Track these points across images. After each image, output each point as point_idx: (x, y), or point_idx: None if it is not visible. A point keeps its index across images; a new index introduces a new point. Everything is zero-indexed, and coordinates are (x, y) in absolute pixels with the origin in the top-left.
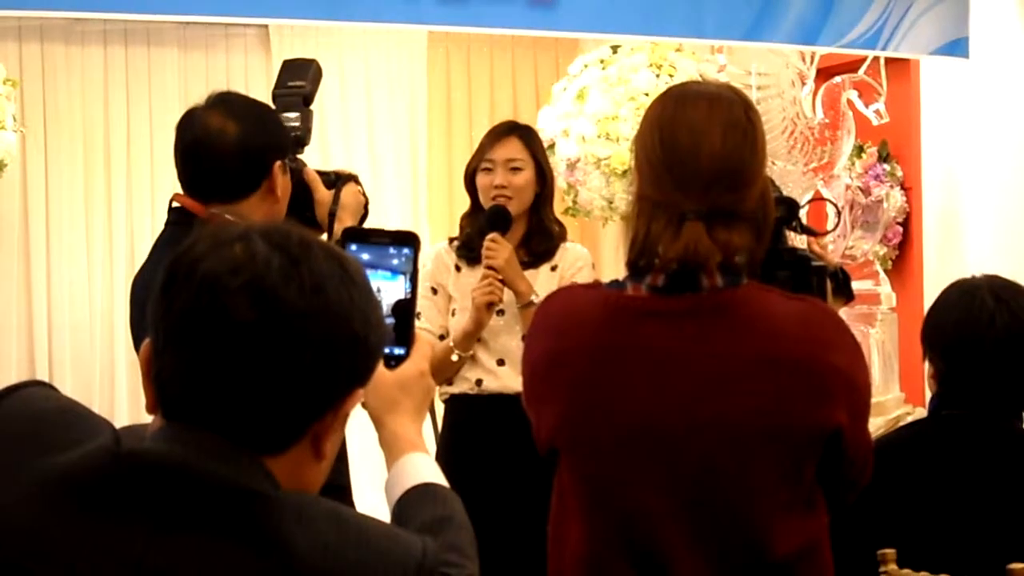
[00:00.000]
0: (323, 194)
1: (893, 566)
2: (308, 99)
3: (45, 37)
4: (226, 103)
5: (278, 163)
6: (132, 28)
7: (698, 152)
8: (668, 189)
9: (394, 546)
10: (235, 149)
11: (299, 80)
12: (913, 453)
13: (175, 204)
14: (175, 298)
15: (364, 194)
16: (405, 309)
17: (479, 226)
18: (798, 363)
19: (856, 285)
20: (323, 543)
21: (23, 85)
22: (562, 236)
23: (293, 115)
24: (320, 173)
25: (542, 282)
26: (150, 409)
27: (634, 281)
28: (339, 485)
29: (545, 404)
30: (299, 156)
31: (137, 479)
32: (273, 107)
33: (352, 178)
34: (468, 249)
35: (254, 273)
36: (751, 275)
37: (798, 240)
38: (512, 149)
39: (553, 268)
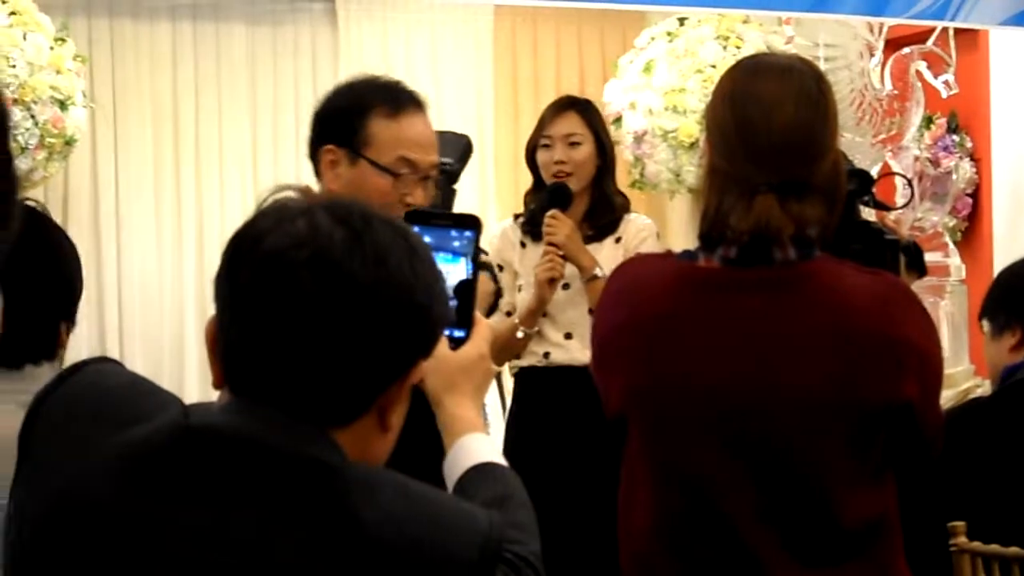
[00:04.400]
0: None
1: (963, 538)
2: (453, 177)
3: (114, 12)
4: None
5: None
6: (200, 3)
7: (770, 124)
8: (740, 161)
9: (461, 520)
10: None
11: (448, 158)
12: (982, 424)
13: None
14: (239, 273)
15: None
16: (467, 291)
17: (541, 203)
18: (870, 336)
19: (925, 257)
20: (391, 515)
21: (92, 61)
22: (625, 207)
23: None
24: None
25: (607, 255)
26: (217, 384)
27: (706, 253)
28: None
29: (615, 373)
30: None
31: (207, 452)
32: None
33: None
34: (532, 225)
35: (318, 246)
36: (823, 248)
37: (868, 214)
38: (571, 124)
39: (617, 240)
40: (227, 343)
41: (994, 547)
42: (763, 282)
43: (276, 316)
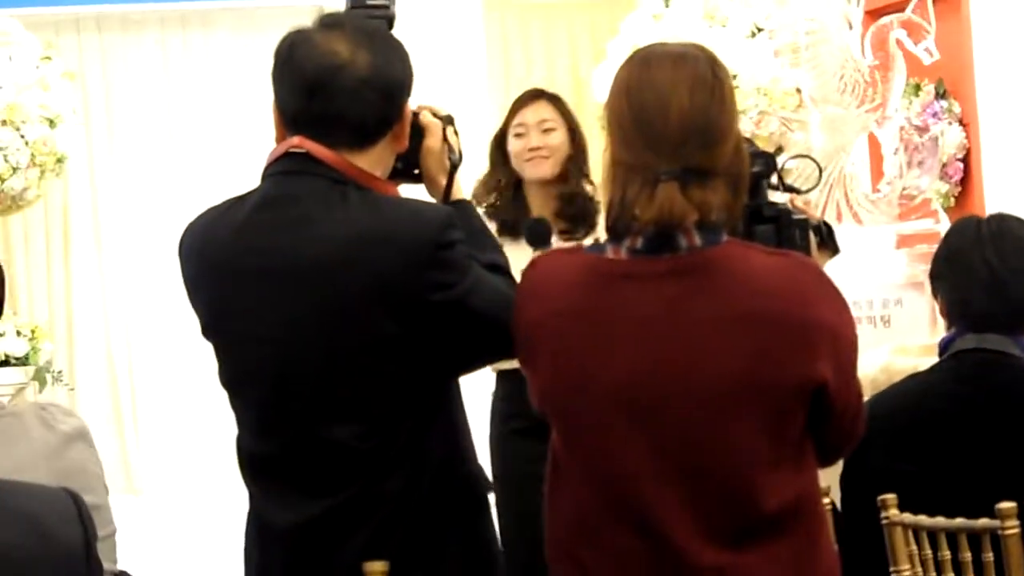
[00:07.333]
0: (435, 140)
1: (894, 511)
2: (392, 21)
3: (103, 27)
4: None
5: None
6: (188, 14)
7: (666, 112)
8: (640, 151)
9: None
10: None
11: None
12: (917, 397)
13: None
14: None
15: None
16: None
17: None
18: (780, 319)
19: (915, 225)
20: None
21: (84, 76)
22: (596, 206)
23: None
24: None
25: None
26: None
27: (614, 245)
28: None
29: (533, 370)
30: None
31: None
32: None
33: (451, 120)
34: (507, 226)
35: None
36: (732, 232)
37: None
38: (543, 111)
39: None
40: None
41: (922, 517)
42: (670, 271)
43: None
